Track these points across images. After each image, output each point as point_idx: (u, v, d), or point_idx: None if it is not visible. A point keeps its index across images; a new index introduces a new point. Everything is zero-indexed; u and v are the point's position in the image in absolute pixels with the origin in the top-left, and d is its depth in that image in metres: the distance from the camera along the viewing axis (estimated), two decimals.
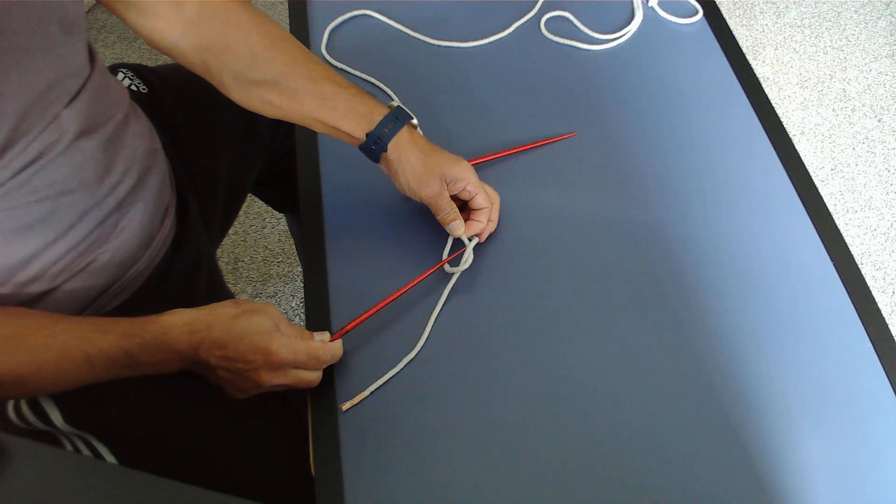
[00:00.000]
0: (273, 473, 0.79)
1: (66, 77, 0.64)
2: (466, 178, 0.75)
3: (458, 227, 0.77)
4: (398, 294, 0.73)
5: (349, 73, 0.94)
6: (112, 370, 0.64)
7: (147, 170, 0.75)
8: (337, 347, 0.70)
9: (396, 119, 0.74)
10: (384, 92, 0.92)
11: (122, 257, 0.73)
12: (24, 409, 0.71)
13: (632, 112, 0.90)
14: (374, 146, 0.74)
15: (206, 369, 0.66)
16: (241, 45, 0.74)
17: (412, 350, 0.72)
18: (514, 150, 0.86)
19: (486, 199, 0.77)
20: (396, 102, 0.77)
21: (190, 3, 0.73)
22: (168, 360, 0.65)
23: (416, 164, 0.75)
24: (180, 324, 0.65)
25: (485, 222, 0.78)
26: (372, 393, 0.70)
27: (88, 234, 0.69)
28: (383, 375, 0.71)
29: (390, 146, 0.74)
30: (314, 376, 0.69)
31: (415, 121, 0.77)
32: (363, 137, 0.74)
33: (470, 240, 0.78)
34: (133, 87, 0.88)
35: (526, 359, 0.72)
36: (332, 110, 0.75)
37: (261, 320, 0.66)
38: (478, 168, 0.80)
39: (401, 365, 0.71)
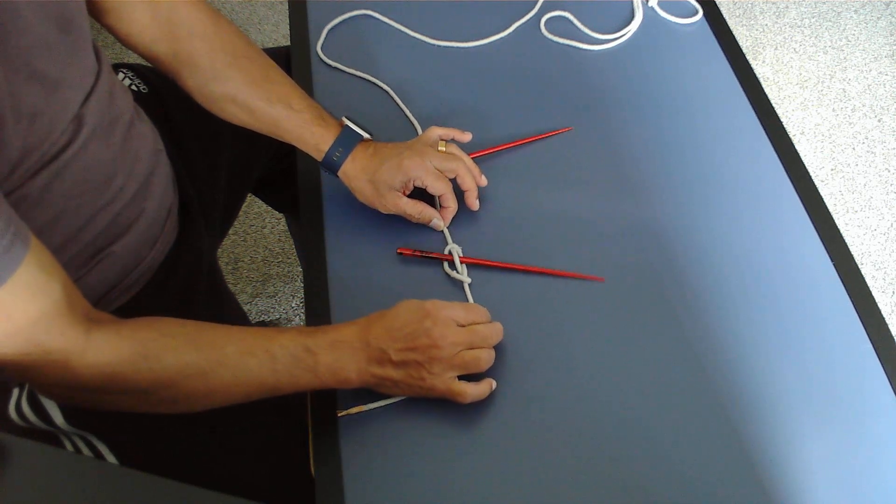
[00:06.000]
0: (273, 474, 0.79)
1: (76, 76, 0.64)
2: (413, 176, 0.76)
3: (437, 225, 0.79)
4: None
5: (349, 73, 0.94)
6: (293, 371, 0.63)
7: (151, 172, 0.75)
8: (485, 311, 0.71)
9: (343, 147, 0.77)
10: (384, 91, 0.92)
11: (125, 260, 0.73)
12: (25, 407, 0.71)
13: (632, 112, 0.90)
14: (330, 172, 0.79)
15: (380, 366, 0.65)
16: (204, 58, 0.77)
17: None
18: (510, 145, 0.87)
19: (441, 185, 0.77)
20: (346, 121, 0.78)
21: (162, 10, 0.75)
22: (345, 361, 0.64)
23: (365, 188, 0.77)
24: (350, 322, 0.67)
25: (452, 206, 0.79)
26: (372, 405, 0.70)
27: (95, 238, 0.69)
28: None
29: (340, 174, 0.78)
30: (487, 354, 0.68)
31: (365, 135, 0.78)
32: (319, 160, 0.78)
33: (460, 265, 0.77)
34: (134, 87, 0.88)
35: (523, 358, 0.72)
36: (286, 133, 0.78)
37: (411, 301, 0.67)
38: (476, 162, 0.81)
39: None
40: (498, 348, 0.71)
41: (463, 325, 0.67)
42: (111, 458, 0.73)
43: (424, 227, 0.79)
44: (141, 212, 0.73)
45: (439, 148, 0.78)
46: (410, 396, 0.68)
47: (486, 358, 0.68)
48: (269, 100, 0.78)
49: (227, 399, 0.64)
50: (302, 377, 0.64)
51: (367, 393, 0.69)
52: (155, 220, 0.76)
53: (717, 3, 1.01)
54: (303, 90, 0.81)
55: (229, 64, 0.77)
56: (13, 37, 0.55)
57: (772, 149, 0.86)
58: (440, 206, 0.80)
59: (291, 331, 0.65)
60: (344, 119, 0.78)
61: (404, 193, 0.77)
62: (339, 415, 0.68)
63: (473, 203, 0.80)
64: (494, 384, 0.69)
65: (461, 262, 0.77)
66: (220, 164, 0.94)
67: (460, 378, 0.67)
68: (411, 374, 0.65)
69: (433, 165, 0.76)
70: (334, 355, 0.64)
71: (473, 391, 0.67)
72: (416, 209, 0.77)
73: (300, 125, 0.77)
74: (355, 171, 0.77)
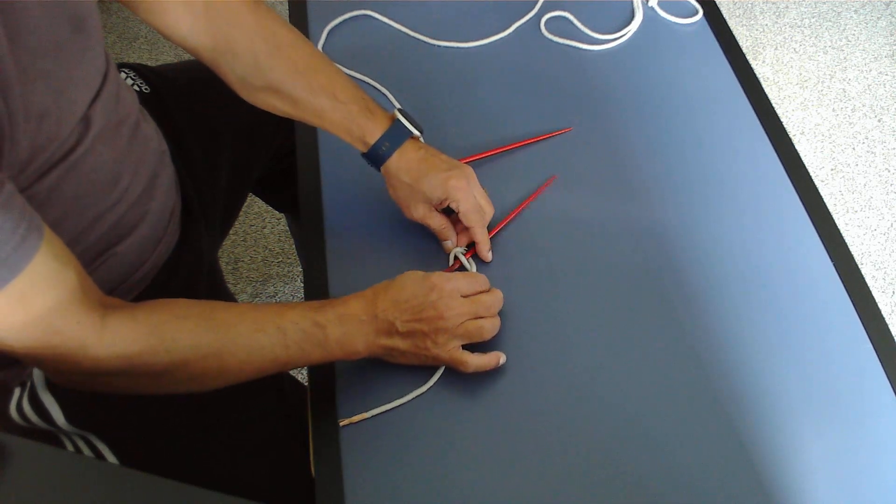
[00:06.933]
0: (273, 473, 0.79)
1: (85, 77, 0.64)
2: (450, 198, 0.75)
3: (446, 246, 0.78)
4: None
5: (349, 73, 0.94)
6: (304, 345, 0.64)
7: (156, 173, 0.75)
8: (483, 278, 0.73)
9: (389, 142, 0.75)
10: (383, 94, 0.92)
11: (129, 261, 0.73)
12: (26, 407, 0.71)
13: (632, 112, 0.90)
14: (372, 164, 0.77)
15: (388, 337, 0.67)
16: (245, 49, 0.75)
17: (423, 385, 0.70)
18: (510, 146, 0.87)
19: (475, 217, 0.76)
20: (398, 115, 0.76)
21: (198, 2, 0.74)
22: (354, 334, 0.66)
23: (402, 191, 0.76)
24: (356, 295, 0.68)
25: (481, 241, 0.77)
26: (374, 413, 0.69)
27: (100, 239, 0.69)
28: (386, 390, 0.70)
29: (383, 169, 0.77)
30: (490, 324, 0.70)
31: (415, 132, 0.76)
32: (363, 151, 0.77)
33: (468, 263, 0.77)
34: (135, 88, 0.88)
35: (524, 358, 0.72)
36: (331, 124, 0.77)
37: (415, 272, 0.70)
38: (474, 165, 0.81)
39: (409, 397, 0.70)
40: (500, 342, 0.71)
41: (467, 296, 0.69)
42: (111, 458, 0.73)
43: (422, 228, 0.79)
44: (145, 213, 0.73)
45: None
46: (416, 365, 0.70)
47: (490, 327, 0.69)
48: (313, 89, 0.75)
49: (240, 376, 0.65)
50: (312, 352, 0.65)
51: (368, 399, 0.70)
52: (159, 221, 0.76)
53: (717, 3, 1.01)
54: (348, 78, 0.78)
55: (271, 53, 0.75)
56: (23, 36, 0.55)
57: (772, 149, 0.86)
58: (474, 241, 0.78)
59: (300, 306, 0.66)
60: (396, 112, 0.77)
61: (436, 209, 0.77)
62: (341, 424, 0.68)
63: (482, 252, 0.78)
64: (503, 358, 0.70)
65: (467, 257, 0.77)
66: (220, 164, 0.94)
67: (465, 348, 0.69)
68: (417, 345, 0.67)
69: (476, 196, 0.76)
70: (343, 329, 0.65)
71: (476, 361, 0.69)
72: (440, 225, 0.77)
73: (345, 117, 0.75)
74: (398, 170, 0.76)
